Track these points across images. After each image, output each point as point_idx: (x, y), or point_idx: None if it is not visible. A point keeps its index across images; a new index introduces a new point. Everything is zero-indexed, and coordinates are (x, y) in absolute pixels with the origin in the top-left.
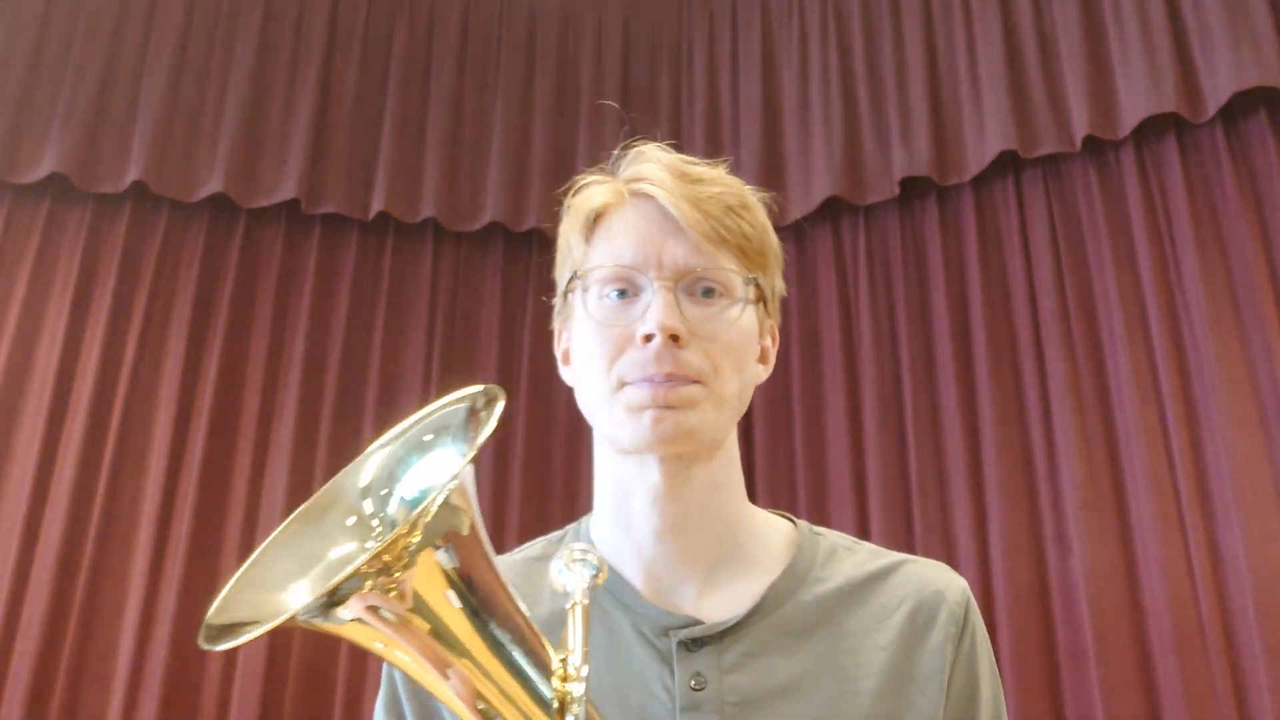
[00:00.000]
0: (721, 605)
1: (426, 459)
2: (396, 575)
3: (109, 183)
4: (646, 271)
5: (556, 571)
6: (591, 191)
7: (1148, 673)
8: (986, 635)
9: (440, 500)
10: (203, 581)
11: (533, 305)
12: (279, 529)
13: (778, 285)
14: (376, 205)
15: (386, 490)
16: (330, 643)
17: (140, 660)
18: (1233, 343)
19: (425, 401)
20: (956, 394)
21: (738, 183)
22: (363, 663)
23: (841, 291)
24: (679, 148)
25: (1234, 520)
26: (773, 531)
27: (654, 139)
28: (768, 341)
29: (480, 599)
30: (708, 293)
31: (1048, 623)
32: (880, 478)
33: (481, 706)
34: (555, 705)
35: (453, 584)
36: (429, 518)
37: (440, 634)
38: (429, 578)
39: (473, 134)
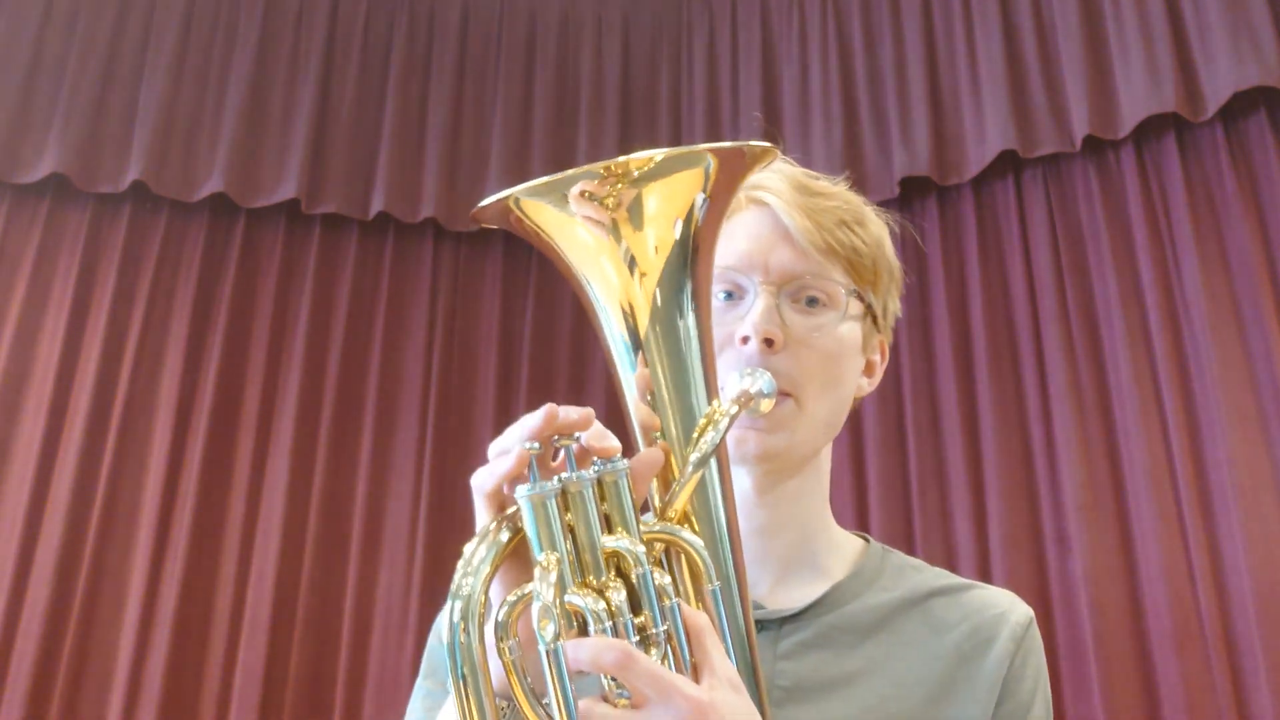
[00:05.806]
0: (787, 599)
1: None
2: (627, 189)
3: (109, 183)
4: (752, 275)
5: (733, 379)
6: None
7: (1148, 673)
8: (1044, 664)
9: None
10: (203, 581)
11: (533, 305)
12: None
13: (891, 305)
14: (376, 205)
15: None
16: (330, 644)
17: (140, 660)
18: (1233, 343)
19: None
20: (956, 394)
21: (857, 200)
22: (362, 663)
23: None
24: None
25: (1234, 520)
26: (847, 544)
27: (654, 139)
28: (875, 356)
29: (695, 272)
30: (812, 302)
31: (1048, 623)
32: (880, 478)
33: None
34: (702, 423)
35: (686, 233)
36: (666, 158)
37: (643, 261)
38: (670, 205)
39: (473, 134)
